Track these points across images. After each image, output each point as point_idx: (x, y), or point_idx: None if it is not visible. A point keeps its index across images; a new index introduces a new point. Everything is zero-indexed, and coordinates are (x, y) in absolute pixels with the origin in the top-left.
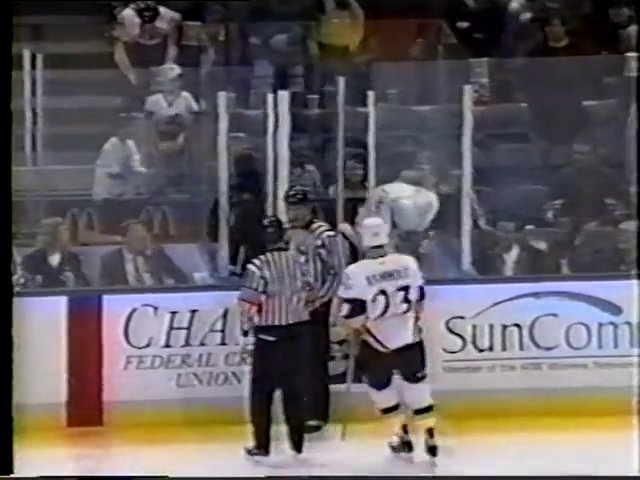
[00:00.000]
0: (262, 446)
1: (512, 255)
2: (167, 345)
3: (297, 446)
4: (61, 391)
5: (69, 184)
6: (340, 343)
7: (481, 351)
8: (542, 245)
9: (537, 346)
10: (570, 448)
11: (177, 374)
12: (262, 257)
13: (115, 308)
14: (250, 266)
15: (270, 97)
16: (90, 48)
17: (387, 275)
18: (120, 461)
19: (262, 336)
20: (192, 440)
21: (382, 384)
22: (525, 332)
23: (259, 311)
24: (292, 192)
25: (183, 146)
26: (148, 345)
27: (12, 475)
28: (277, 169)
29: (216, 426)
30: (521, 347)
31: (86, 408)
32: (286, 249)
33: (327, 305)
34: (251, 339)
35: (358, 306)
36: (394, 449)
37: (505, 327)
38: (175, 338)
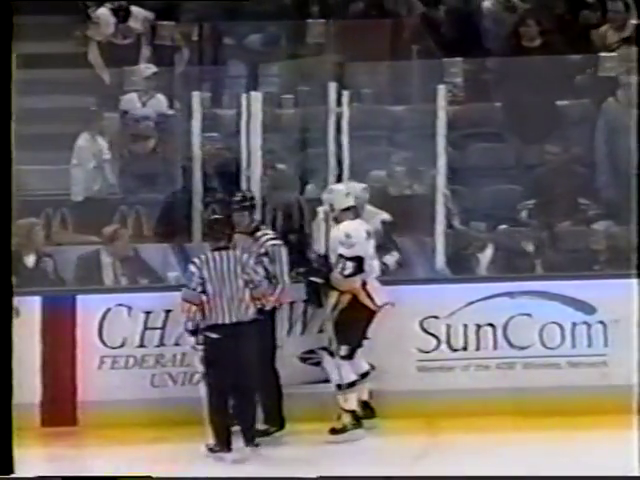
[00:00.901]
0: (223, 443)
1: (486, 255)
2: (141, 345)
3: (249, 441)
4: (35, 391)
5: (43, 184)
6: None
7: (455, 351)
8: (530, 247)
9: (511, 346)
10: (543, 448)
11: (151, 374)
12: (202, 257)
13: (89, 308)
14: (190, 266)
15: (244, 97)
16: (64, 48)
17: (370, 234)
18: (94, 461)
19: (207, 334)
20: (167, 440)
21: (356, 346)
22: (499, 332)
23: (202, 310)
24: (237, 197)
25: (156, 146)
26: (122, 345)
27: (12, 475)
28: (250, 169)
29: (191, 426)
30: (495, 347)
31: (60, 408)
32: (228, 247)
33: (272, 311)
34: (196, 338)
35: (360, 264)
36: (341, 430)
37: (479, 327)
38: (149, 338)
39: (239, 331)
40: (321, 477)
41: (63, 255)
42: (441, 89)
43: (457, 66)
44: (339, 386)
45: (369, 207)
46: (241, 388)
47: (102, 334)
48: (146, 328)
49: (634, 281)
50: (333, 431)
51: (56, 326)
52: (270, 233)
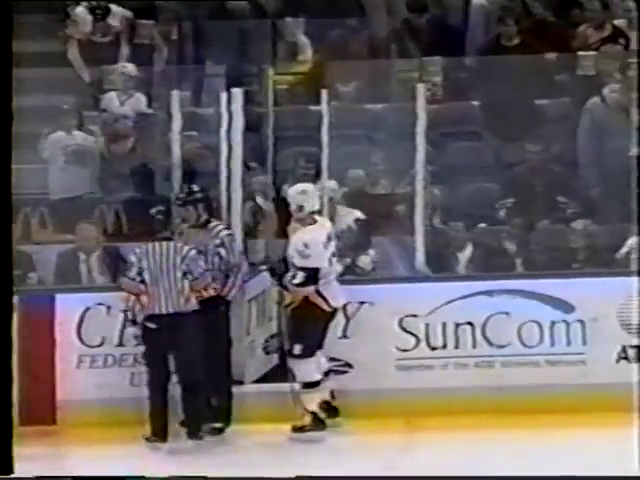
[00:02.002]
0: (159, 433)
1: (466, 253)
2: (120, 344)
3: (192, 434)
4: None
5: (22, 183)
6: (272, 336)
7: (434, 349)
8: (512, 247)
9: (490, 344)
10: (523, 446)
11: (130, 373)
12: (142, 247)
13: (68, 307)
14: (130, 256)
15: (223, 96)
16: (43, 46)
17: (331, 237)
18: (73, 460)
19: (146, 323)
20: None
21: (315, 347)
22: (478, 330)
23: (140, 300)
24: (182, 193)
25: (135, 145)
26: (101, 344)
27: (12, 475)
28: (230, 167)
29: (171, 425)
30: (474, 345)
31: (39, 407)
32: (170, 239)
33: (228, 303)
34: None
35: (312, 275)
36: (302, 429)
37: (458, 325)
38: (128, 337)
39: (177, 322)
40: (320, 477)
41: (42, 254)
42: (420, 88)
43: (436, 65)
44: (306, 384)
45: (342, 207)
46: (184, 381)
47: (81, 333)
48: (125, 327)
49: (613, 279)
50: (294, 429)
51: (35, 325)
52: (222, 224)
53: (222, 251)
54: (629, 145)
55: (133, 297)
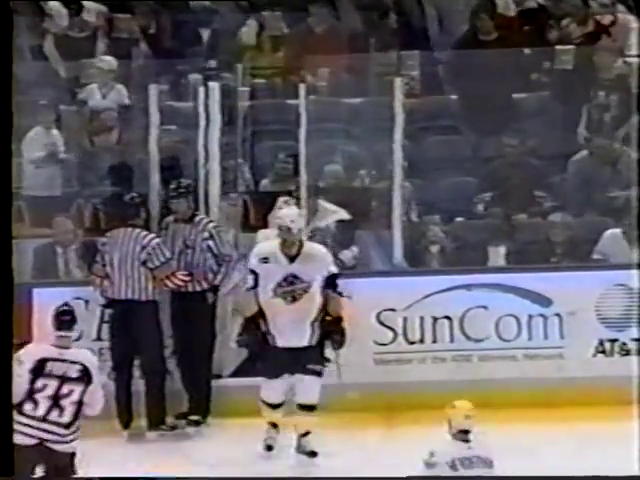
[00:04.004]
0: (120, 419)
1: (442, 248)
2: (98, 338)
3: (151, 424)
4: None
5: None
6: (240, 334)
7: (412, 343)
8: (502, 250)
9: (467, 338)
10: (500, 439)
11: (109, 367)
12: (111, 232)
13: (45, 301)
14: (99, 241)
15: (201, 90)
16: (19, 41)
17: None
18: None
19: (107, 308)
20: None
21: (274, 375)
22: (455, 324)
23: (102, 284)
24: (173, 185)
25: (119, 138)
26: (79, 338)
27: (12, 476)
28: (208, 162)
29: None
30: (452, 339)
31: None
32: (135, 226)
33: (215, 296)
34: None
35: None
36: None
37: (436, 319)
38: (106, 331)
39: (134, 309)
40: (320, 478)
41: (19, 248)
42: (398, 82)
43: (414, 59)
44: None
45: (324, 204)
46: (143, 369)
47: None
48: (103, 321)
49: (590, 273)
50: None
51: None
52: (207, 218)
53: (211, 243)
54: None
55: (98, 280)
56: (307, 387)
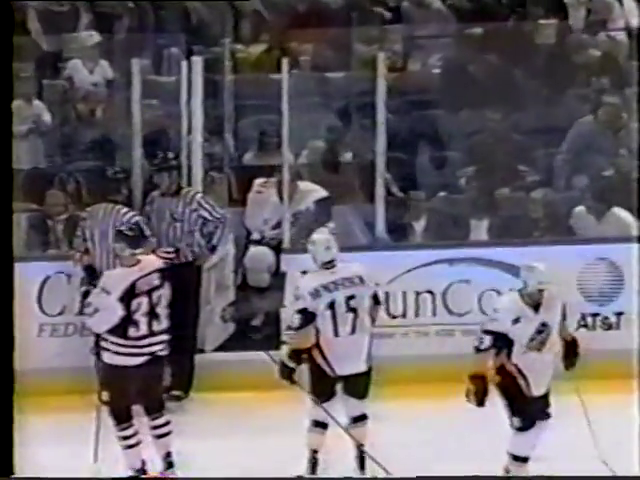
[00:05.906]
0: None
1: (425, 222)
2: (81, 313)
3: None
4: None
5: None
6: (229, 304)
7: (394, 317)
8: (484, 224)
9: (450, 312)
10: (482, 414)
11: (92, 341)
12: (91, 207)
13: (28, 276)
14: (81, 215)
15: (183, 64)
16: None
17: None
18: (33, 429)
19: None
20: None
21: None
22: (438, 298)
23: (82, 259)
24: (157, 160)
25: (105, 112)
26: (61, 313)
27: (12, 476)
28: (191, 135)
29: None
30: (434, 313)
31: None
32: (116, 202)
33: (199, 269)
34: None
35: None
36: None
37: (418, 294)
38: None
39: None
40: (322, 478)
41: None
42: (380, 56)
43: (397, 33)
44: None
45: (302, 184)
46: None
47: (41, 302)
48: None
49: (572, 247)
50: None
51: None
52: (193, 190)
53: (203, 213)
54: None
55: (78, 254)
56: (358, 406)
